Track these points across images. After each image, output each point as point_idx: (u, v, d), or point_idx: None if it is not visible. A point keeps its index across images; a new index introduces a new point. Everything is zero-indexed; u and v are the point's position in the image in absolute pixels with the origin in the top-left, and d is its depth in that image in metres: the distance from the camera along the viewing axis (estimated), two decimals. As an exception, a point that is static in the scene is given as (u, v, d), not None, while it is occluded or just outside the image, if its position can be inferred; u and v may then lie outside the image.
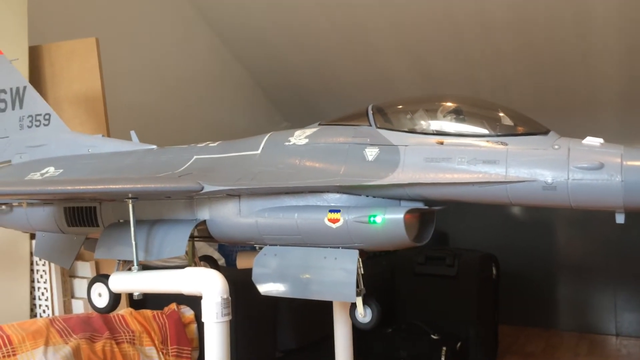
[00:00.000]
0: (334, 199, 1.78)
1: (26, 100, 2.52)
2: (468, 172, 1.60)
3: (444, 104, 1.81)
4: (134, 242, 1.82)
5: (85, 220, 2.14)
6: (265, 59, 4.92)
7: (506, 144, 1.62)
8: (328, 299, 1.85)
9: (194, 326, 2.89)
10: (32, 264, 2.93)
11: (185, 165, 2.01)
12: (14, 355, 2.28)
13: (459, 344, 3.81)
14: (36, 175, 2.26)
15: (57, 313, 2.87)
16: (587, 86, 4.35)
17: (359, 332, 2.56)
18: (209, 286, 1.63)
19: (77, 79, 2.90)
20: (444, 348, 3.70)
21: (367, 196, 1.75)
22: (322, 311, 2.50)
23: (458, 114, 1.77)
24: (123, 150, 2.29)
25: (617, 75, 4.23)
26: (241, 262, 2.16)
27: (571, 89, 4.39)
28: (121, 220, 2.04)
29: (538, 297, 5.36)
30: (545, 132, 1.64)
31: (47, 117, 2.50)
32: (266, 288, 1.86)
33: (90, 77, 2.92)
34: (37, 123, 2.51)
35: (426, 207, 1.75)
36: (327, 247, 1.78)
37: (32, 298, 2.93)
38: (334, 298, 1.83)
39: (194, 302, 2.41)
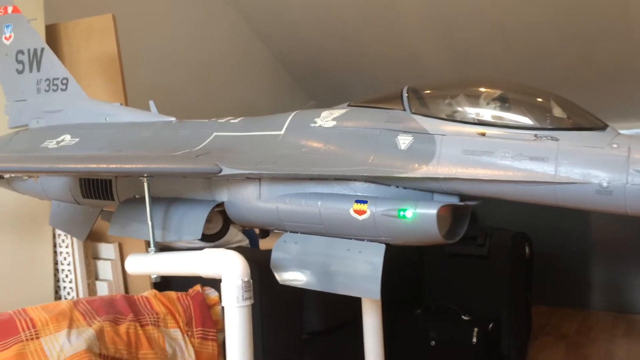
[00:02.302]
0: (361, 188, 1.64)
1: (44, 62, 2.43)
2: (512, 169, 1.44)
3: (487, 89, 1.63)
4: (150, 223, 1.75)
5: (100, 193, 2.08)
6: (289, 37, 4.81)
7: (557, 139, 1.44)
8: (349, 294, 1.73)
9: (219, 308, 2.84)
10: (55, 246, 2.90)
11: (204, 143, 1.92)
12: (37, 338, 2.26)
13: (490, 325, 3.71)
14: (52, 143, 2.20)
15: (81, 295, 2.85)
16: (630, 58, 4.13)
17: (387, 314, 2.48)
18: (228, 268, 1.55)
19: (95, 57, 2.83)
20: (476, 329, 3.61)
21: (398, 187, 1.61)
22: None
23: (503, 102, 1.58)
24: (141, 121, 2.20)
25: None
26: (263, 243, 2.08)
27: (613, 60, 4.17)
28: (137, 196, 1.97)
29: (573, 276, 5.21)
30: (602, 128, 1.45)
31: (64, 81, 2.41)
32: (285, 277, 1.78)
33: (108, 54, 2.84)
34: (55, 87, 2.42)
35: (461, 202, 1.60)
36: (351, 238, 1.67)
37: (56, 280, 2.91)
38: (356, 293, 1.72)
39: (219, 283, 2.35)
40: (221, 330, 2.87)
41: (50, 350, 2.24)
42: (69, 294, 2.88)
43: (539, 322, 4.77)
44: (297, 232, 1.76)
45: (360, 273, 1.66)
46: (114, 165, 1.63)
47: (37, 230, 2.86)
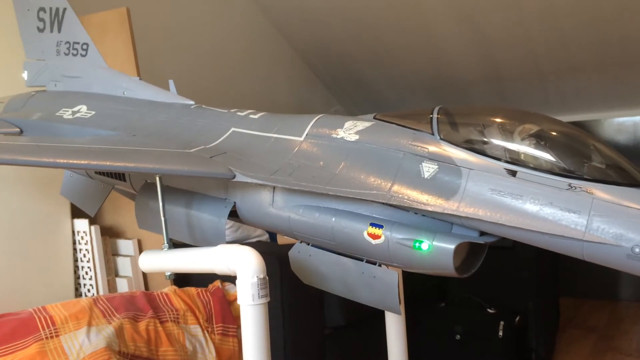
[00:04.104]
0: (378, 210, 1.55)
1: (65, 24, 2.36)
2: (539, 219, 1.30)
3: (524, 124, 1.48)
4: (162, 219, 1.71)
5: (111, 172, 2.05)
6: (306, 27, 4.74)
7: (592, 192, 1.29)
8: (372, 306, 1.68)
9: (239, 304, 2.81)
10: (74, 243, 2.90)
11: (220, 139, 1.85)
12: (57, 336, 2.24)
13: (517, 318, 3.63)
14: (67, 113, 2.16)
15: (101, 292, 2.84)
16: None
17: (410, 307, 2.42)
18: (243, 265, 1.49)
19: (111, 52, 2.80)
20: (502, 322, 3.53)
21: (416, 213, 1.51)
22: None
23: (540, 140, 1.43)
24: (159, 101, 2.14)
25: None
26: (282, 237, 2.04)
27: (632, 43, 4.03)
28: (148, 181, 1.93)
29: (601, 266, 5.06)
30: None
31: (84, 46, 2.34)
32: (307, 280, 1.75)
33: (123, 49, 2.82)
34: (75, 52, 2.35)
35: (481, 239, 1.48)
36: (363, 259, 1.61)
37: (76, 277, 2.90)
38: (379, 307, 1.68)
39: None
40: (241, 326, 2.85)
41: (70, 349, 2.22)
42: (89, 291, 2.88)
43: (567, 314, 4.66)
44: (308, 244, 1.70)
45: (377, 293, 1.60)
46: (126, 164, 1.60)
47: (57, 228, 2.85)
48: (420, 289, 3.66)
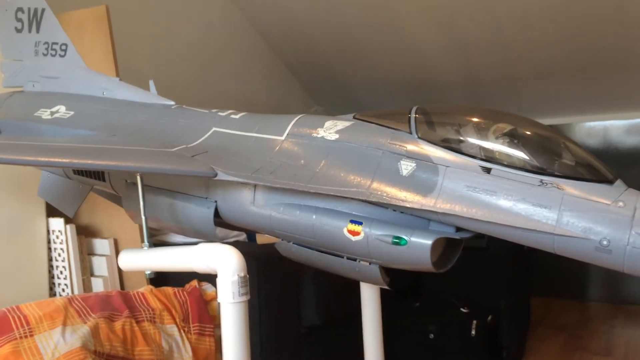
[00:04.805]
0: (357, 207, 1.60)
1: (43, 24, 2.34)
2: (512, 214, 1.36)
3: (498, 123, 1.54)
4: (143, 217, 1.72)
5: (90, 172, 2.05)
6: (287, 30, 4.76)
7: (562, 188, 1.36)
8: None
9: (216, 303, 2.81)
10: (49, 242, 2.87)
11: (202, 139, 1.86)
12: (31, 336, 2.22)
13: (489, 317, 3.70)
14: (46, 113, 2.15)
15: (76, 292, 2.82)
16: (631, 45, 4.10)
17: (385, 307, 2.46)
18: (223, 263, 1.51)
19: (90, 50, 2.78)
20: (475, 321, 3.59)
21: (394, 210, 1.56)
22: (348, 287, 2.40)
23: (513, 139, 1.49)
24: (139, 102, 2.14)
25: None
26: (261, 237, 2.05)
27: (613, 48, 4.14)
28: (128, 181, 1.93)
29: (571, 267, 5.19)
30: (610, 181, 1.36)
31: (63, 47, 2.33)
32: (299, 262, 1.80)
33: (102, 48, 2.80)
34: (53, 52, 2.34)
35: (457, 235, 1.53)
36: (343, 256, 1.66)
37: (51, 277, 2.87)
38: (367, 282, 1.78)
39: (216, 278, 2.34)
40: (218, 325, 2.84)
41: (44, 348, 2.20)
42: (63, 290, 2.85)
43: (538, 314, 4.76)
44: (289, 242, 1.73)
45: (363, 278, 1.67)
46: (108, 162, 1.59)
47: (31, 227, 2.82)
48: (396, 289, 3.70)
